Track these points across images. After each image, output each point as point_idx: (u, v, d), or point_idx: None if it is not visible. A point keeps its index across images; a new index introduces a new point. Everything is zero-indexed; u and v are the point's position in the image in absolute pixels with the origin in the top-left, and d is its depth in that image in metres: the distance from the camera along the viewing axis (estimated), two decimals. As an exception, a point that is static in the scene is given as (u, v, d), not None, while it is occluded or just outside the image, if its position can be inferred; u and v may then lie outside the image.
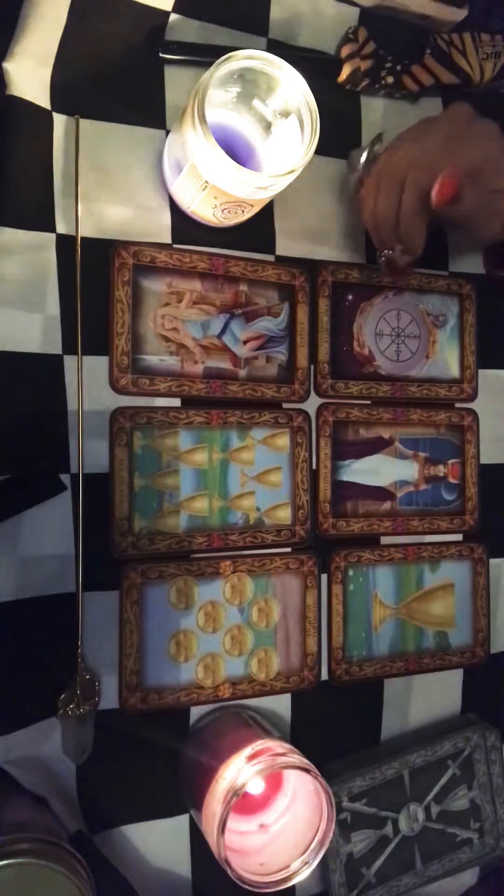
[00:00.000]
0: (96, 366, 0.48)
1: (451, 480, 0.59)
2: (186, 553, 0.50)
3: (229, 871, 0.41)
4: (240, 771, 0.42)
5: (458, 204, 0.46)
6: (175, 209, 0.50)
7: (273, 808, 0.48)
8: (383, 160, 0.49)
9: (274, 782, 0.48)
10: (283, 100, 0.45)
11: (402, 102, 0.57)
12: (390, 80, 0.55)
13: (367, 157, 0.52)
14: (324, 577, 0.54)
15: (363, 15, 0.55)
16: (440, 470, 0.59)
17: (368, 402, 0.57)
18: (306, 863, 0.43)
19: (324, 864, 0.50)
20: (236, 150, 0.47)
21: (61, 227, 0.47)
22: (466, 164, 0.45)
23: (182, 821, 0.49)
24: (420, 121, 0.49)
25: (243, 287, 0.53)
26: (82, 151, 0.47)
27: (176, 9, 0.50)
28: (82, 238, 0.47)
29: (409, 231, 0.48)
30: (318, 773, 0.42)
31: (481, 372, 0.61)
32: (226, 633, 0.51)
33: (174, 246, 0.50)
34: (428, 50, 0.56)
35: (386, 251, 0.51)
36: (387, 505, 0.57)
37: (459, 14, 0.57)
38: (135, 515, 0.49)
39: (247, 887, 0.41)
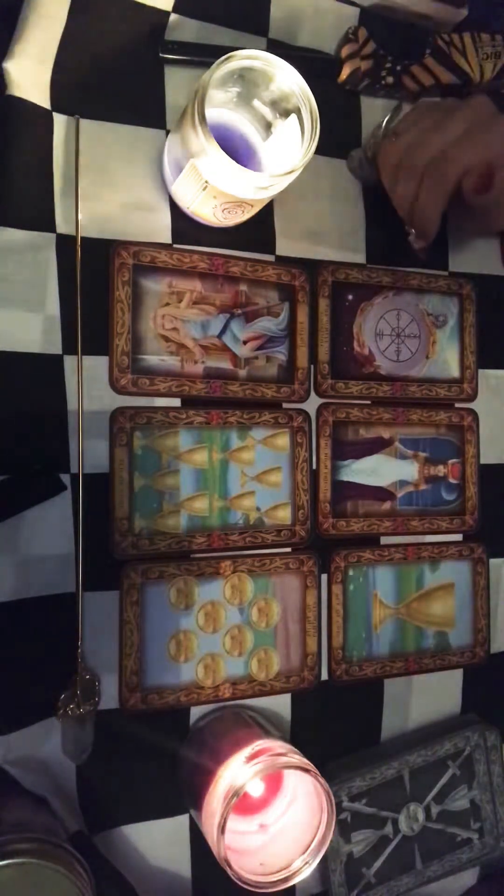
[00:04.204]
0: (96, 366, 0.48)
1: (451, 480, 0.59)
2: (186, 553, 0.50)
3: (229, 871, 0.41)
4: (240, 771, 0.42)
5: (489, 194, 0.47)
6: (175, 209, 0.50)
7: (273, 808, 0.47)
8: (403, 149, 0.49)
9: (274, 782, 0.48)
10: (283, 100, 0.45)
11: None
12: (390, 80, 0.55)
13: (385, 129, 0.52)
14: (324, 577, 0.54)
15: (363, 15, 0.55)
16: (440, 470, 0.59)
17: (368, 402, 0.57)
18: (306, 863, 0.43)
19: (324, 864, 0.50)
20: (236, 150, 0.47)
21: (61, 227, 0.47)
22: (490, 156, 0.46)
23: (182, 821, 0.49)
24: (432, 106, 0.50)
25: (243, 287, 0.53)
26: (82, 151, 0.47)
27: (176, 9, 0.50)
28: (82, 238, 0.47)
29: (424, 221, 0.50)
30: (318, 773, 0.42)
31: (481, 372, 0.61)
32: (226, 633, 0.51)
33: (174, 246, 0.50)
34: (428, 50, 0.56)
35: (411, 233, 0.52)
36: (387, 505, 0.57)
37: (459, 14, 0.57)
38: (135, 515, 0.49)
39: (247, 887, 0.41)
